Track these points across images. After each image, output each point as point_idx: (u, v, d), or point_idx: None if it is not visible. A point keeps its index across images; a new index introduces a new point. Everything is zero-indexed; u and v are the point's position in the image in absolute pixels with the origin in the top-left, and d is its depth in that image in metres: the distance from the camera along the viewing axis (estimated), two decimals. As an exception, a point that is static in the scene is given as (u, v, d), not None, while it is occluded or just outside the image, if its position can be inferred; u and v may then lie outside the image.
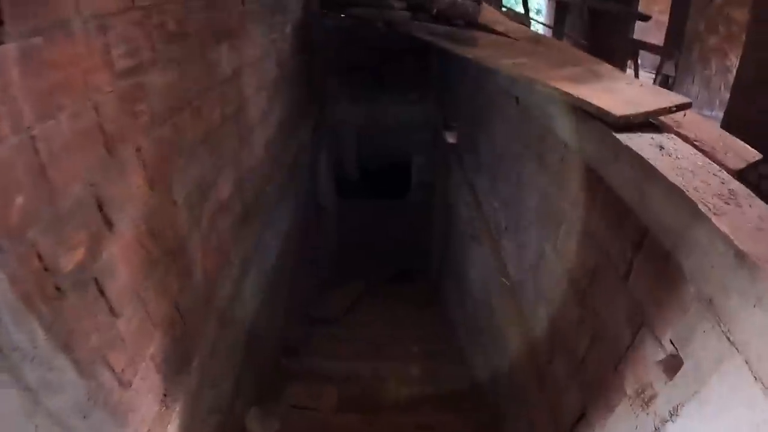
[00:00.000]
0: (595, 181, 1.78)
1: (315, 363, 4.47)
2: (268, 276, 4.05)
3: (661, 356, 1.36)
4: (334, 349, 4.87)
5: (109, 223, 1.67)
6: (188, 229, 2.45)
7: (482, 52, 2.65)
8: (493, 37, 3.14)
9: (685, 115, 1.78)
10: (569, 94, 1.75)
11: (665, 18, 8.59)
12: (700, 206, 1.22)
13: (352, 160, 10.49)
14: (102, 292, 1.62)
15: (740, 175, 1.50)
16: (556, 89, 1.81)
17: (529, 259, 2.61)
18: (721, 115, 4.69)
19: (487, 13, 4.19)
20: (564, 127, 1.98)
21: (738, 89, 3.79)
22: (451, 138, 4.99)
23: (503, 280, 3.06)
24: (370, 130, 10.17)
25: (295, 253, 5.03)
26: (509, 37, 3.10)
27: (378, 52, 7.21)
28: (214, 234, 2.97)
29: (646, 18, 6.98)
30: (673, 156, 1.48)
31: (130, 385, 1.81)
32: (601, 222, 1.78)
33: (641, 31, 8.99)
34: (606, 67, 2.40)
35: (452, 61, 5.22)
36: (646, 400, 1.42)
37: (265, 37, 4.07)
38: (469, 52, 2.68)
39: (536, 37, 3.25)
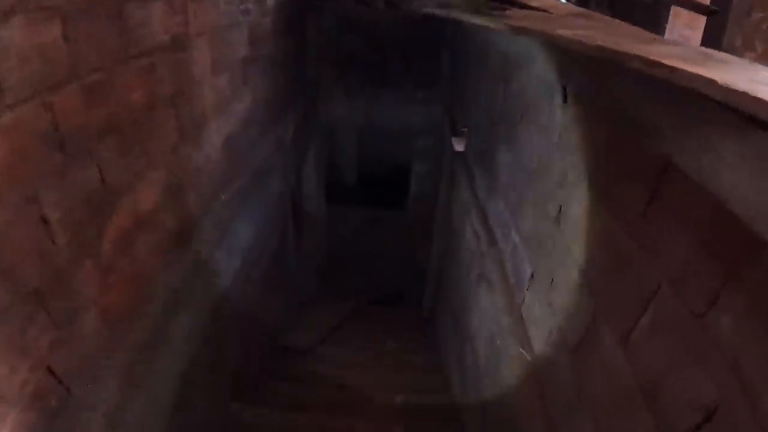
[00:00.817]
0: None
1: (271, 415, 3.58)
2: (215, 309, 3.18)
3: None
4: (300, 395, 3.98)
5: None
6: (71, 258, 1.70)
7: (522, 22, 1.78)
8: (528, 11, 2.25)
9: None
10: (715, 83, 0.88)
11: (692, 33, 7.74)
12: None
13: (351, 164, 9.62)
14: None
15: None
16: (694, 75, 0.93)
17: (570, 338, 1.72)
18: None
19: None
20: (687, 145, 1.11)
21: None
22: (458, 145, 4.12)
23: (522, 351, 2.17)
24: (368, 131, 9.36)
25: (262, 274, 4.15)
26: (549, 12, 2.21)
27: (380, 43, 6.33)
28: (126, 260, 2.14)
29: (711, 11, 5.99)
30: None
31: None
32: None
33: (675, 41, 8.09)
34: (700, 49, 1.50)
35: (468, 52, 4.35)
36: None
37: (231, 3, 3.20)
38: (502, 23, 1.80)
39: (583, 13, 2.36)
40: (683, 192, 1.14)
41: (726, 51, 7.65)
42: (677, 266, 1.14)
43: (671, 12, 4.05)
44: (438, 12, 2.75)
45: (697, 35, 6.57)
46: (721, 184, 1.00)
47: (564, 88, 1.90)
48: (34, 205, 1.48)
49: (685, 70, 0.98)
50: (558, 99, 1.94)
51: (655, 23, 3.88)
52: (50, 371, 1.61)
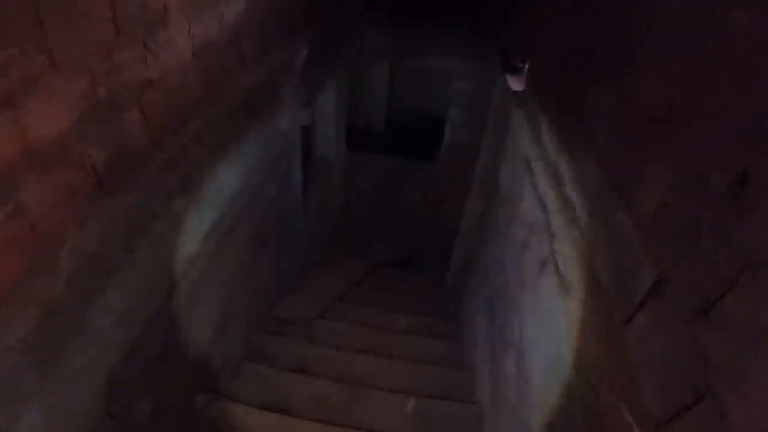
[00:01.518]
0: None
1: (242, 414, 2.80)
2: (175, 278, 2.36)
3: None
4: (284, 389, 3.18)
5: None
6: None
7: None
8: None
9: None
10: None
11: None
12: None
13: (379, 109, 8.60)
14: None
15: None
16: None
17: None
18: None
19: None
20: None
21: None
22: (515, 84, 3.15)
23: (627, 415, 1.30)
24: (400, 73, 8.30)
25: (252, 229, 3.31)
26: None
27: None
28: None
29: None
30: None
31: None
32: None
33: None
34: None
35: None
36: None
37: None
38: None
39: None
40: None
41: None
42: None
43: None
44: None
45: None
46: None
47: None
48: None
49: None
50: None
51: None
52: None
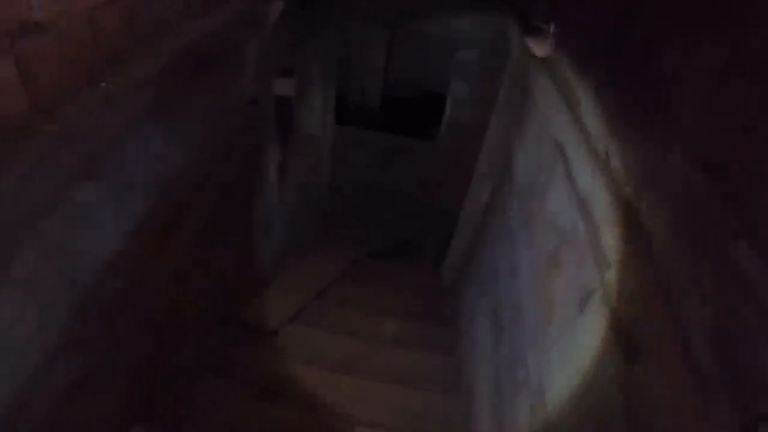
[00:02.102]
0: None
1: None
2: (88, 282, 1.73)
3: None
4: (239, 417, 2.56)
5: None
6: None
7: None
8: None
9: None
10: None
11: None
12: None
13: (375, 81, 7.85)
14: None
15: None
16: None
17: None
18: None
19: None
20: None
21: None
22: (539, 48, 2.48)
23: None
24: (400, 42, 7.56)
25: (201, 218, 2.65)
26: None
27: None
28: None
29: None
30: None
31: None
32: None
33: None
34: None
35: None
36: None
37: None
38: None
39: None
40: None
41: None
42: None
43: None
44: None
45: None
46: None
47: None
48: None
49: None
50: None
51: None
52: None
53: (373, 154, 6.47)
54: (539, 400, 1.76)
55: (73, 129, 1.59)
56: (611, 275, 1.33)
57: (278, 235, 4.32)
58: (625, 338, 1.21)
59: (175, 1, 2.08)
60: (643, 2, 1.49)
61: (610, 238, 1.37)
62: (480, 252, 3.47)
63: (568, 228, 1.73)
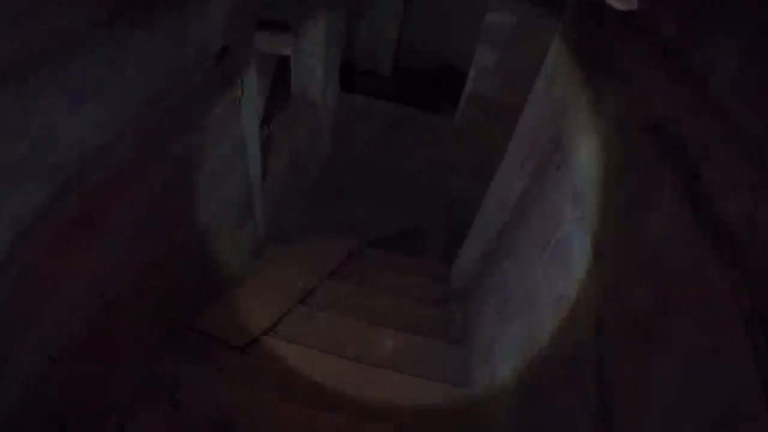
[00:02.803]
0: None
1: None
2: None
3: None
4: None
5: None
6: None
7: None
8: None
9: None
10: None
11: None
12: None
13: (388, 47, 7.01)
14: None
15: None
16: None
17: None
18: None
19: None
20: None
21: None
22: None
23: None
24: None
25: (144, 208, 1.92)
26: None
27: None
28: None
29: None
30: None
31: None
32: None
33: None
34: None
35: None
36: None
37: None
38: None
39: None
40: None
41: None
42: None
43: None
44: None
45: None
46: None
47: None
48: None
49: None
50: None
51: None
52: None
53: (380, 127, 5.71)
54: None
55: None
56: None
57: (260, 220, 3.59)
58: None
59: None
60: None
61: None
62: (506, 262, 2.74)
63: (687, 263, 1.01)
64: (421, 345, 3.14)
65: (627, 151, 1.60)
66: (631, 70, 1.67)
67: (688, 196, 1.15)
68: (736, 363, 0.87)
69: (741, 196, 0.97)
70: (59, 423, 1.75)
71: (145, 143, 1.78)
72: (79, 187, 1.49)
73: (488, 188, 3.47)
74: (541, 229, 2.26)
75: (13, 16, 1.08)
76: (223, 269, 3.05)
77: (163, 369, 2.36)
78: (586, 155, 1.93)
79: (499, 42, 4.41)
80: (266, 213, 3.73)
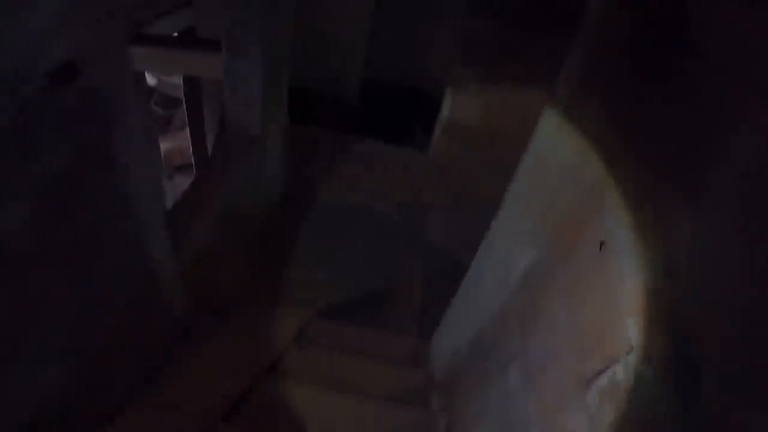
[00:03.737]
0: None
1: None
2: None
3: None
4: None
5: None
6: None
7: None
8: None
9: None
10: None
11: None
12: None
13: (353, 66, 6.06)
14: None
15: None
16: None
17: None
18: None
19: None
20: None
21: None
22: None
23: None
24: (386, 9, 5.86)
25: None
26: None
27: None
28: None
29: None
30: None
31: None
32: None
33: None
34: None
35: None
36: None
37: None
38: None
39: None
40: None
41: None
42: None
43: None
44: None
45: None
46: None
47: None
48: None
49: None
50: None
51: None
52: None
53: (342, 164, 4.79)
54: None
55: None
56: None
57: (176, 295, 2.62)
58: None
59: None
60: None
61: None
62: (512, 379, 1.79)
63: None
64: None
65: None
66: None
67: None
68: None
69: None
70: None
71: None
72: None
73: (477, 251, 2.55)
74: (576, 349, 1.33)
75: None
76: (116, 378, 2.07)
77: None
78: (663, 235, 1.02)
79: (480, 54, 3.55)
80: (188, 282, 2.78)
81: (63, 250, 1.54)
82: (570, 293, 1.42)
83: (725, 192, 0.91)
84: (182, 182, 5.80)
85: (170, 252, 2.50)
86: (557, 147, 1.65)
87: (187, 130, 6.23)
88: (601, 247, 1.26)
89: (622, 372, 1.10)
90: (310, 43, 5.43)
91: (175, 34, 5.30)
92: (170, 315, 2.69)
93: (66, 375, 1.77)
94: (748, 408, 0.75)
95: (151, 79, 7.89)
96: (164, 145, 7.51)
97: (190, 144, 6.42)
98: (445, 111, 3.96)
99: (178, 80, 5.63)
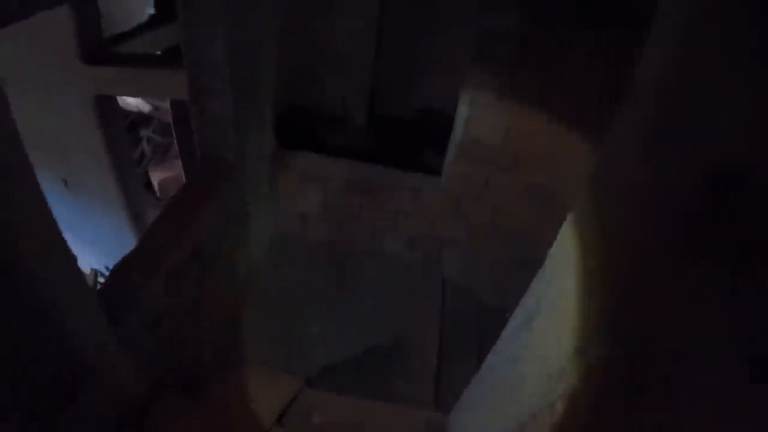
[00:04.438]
0: None
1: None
2: None
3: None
4: None
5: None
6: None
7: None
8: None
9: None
10: None
11: None
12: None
13: (360, 82, 5.37)
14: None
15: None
16: None
17: None
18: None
19: None
20: None
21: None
22: None
23: None
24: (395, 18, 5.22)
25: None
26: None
27: None
28: None
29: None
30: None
31: None
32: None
33: None
34: None
35: None
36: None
37: None
38: None
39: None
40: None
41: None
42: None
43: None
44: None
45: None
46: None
47: None
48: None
49: None
50: None
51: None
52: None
53: (344, 196, 4.07)
54: None
55: None
56: None
57: (120, 375, 1.97)
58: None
59: None
60: None
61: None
62: None
63: None
64: None
65: None
66: None
67: None
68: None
69: None
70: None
71: None
72: None
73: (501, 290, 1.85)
74: None
75: None
76: None
77: None
78: None
79: (501, 57, 2.86)
80: (141, 353, 2.14)
81: None
82: None
83: None
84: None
85: (101, 324, 1.87)
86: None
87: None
88: None
89: None
90: (311, 58, 4.84)
91: (158, 53, 4.78)
92: (118, 393, 2.05)
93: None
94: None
95: (145, 106, 7.42)
96: (160, 175, 7.02)
97: (183, 173, 5.86)
98: (460, 127, 3.27)
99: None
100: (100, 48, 3.85)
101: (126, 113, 7.13)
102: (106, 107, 4.04)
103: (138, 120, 7.61)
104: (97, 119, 4.00)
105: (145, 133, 7.52)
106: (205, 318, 3.02)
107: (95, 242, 5.28)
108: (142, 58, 3.97)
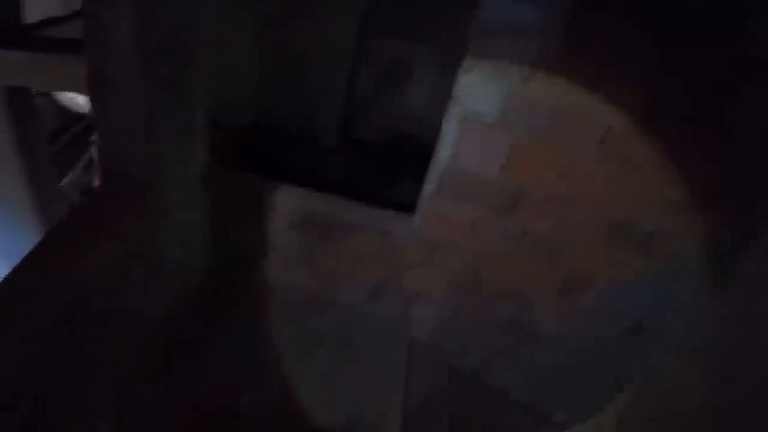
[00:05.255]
0: None
1: None
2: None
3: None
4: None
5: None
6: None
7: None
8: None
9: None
10: None
11: None
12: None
13: (333, 98, 4.67)
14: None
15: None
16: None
17: None
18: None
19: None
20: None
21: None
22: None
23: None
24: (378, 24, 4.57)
25: None
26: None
27: None
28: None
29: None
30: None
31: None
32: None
33: None
34: None
35: None
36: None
37: None
38: None
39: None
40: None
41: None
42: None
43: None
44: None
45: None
46: None
47: None
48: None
49: None
50: None
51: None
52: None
53: (299, 237, 3.32)
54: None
55: None
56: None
57: None
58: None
59: None
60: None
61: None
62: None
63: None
64: None
65: None
66: None
67: None
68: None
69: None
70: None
71: None
72: None
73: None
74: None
75: None
76: None
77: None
78: None
79: (503, 56, 2.19)
80: None
81: None
82: None
83: None
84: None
85: None
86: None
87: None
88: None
89: None
90: (280, 69, 4.22)
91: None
92: None
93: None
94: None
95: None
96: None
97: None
98: (444, 151, 2.58)
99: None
100: (16, 30, 3.23)
101: (79, 116, 6.43)
102: (19, 103, 3.41)
103: (94, 123, 6.90)
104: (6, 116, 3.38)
105: (96, 137, 6.76)
106: (96, 388, 2.24)
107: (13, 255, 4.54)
108: (65, 44, 3.29)
